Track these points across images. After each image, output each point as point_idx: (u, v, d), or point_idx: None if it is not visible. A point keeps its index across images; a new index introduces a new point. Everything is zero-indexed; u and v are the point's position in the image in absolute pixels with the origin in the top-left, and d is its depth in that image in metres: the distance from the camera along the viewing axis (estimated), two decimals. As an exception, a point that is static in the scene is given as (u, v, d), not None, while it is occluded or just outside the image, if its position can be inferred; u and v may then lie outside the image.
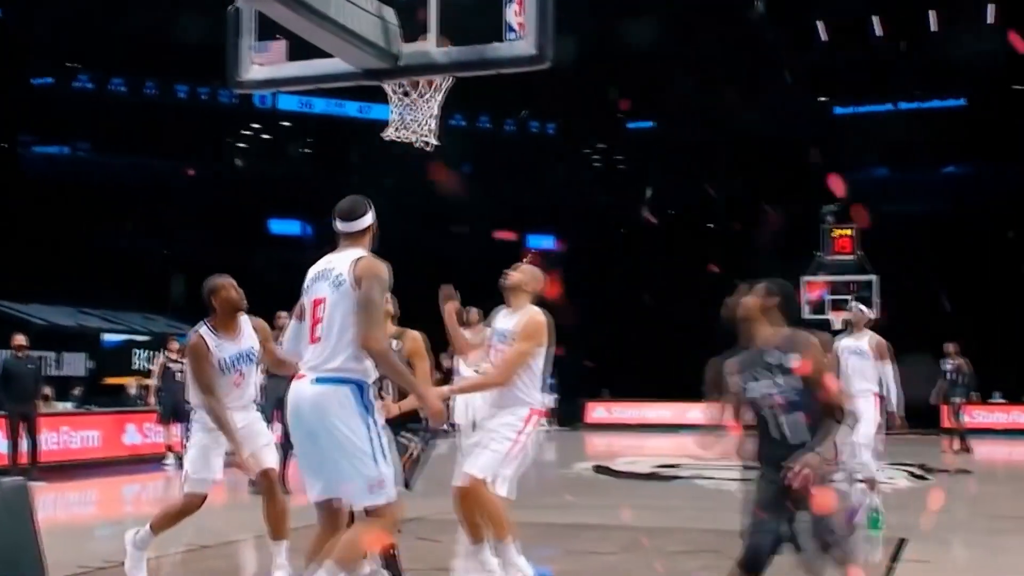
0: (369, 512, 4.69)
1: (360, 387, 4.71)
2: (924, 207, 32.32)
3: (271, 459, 6.40)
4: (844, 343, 9.39)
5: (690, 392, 31.46)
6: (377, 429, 4.70)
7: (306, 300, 4.90)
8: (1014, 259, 28.69)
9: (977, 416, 25.77)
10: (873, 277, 26.83)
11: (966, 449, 18.94)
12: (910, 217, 31.45)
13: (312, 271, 4.94)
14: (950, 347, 19.59)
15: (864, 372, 9.13)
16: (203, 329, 6.28)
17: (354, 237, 4.96)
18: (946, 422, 20.11)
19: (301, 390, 4.74)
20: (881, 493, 9.28)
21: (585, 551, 8.06)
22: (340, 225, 4.97)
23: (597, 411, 30.88)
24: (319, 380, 4.69)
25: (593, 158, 40.09)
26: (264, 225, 34.48)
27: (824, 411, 4.55)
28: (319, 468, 4.76)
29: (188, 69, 31.38)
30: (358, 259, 4.80)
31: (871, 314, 10.17)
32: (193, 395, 6.38)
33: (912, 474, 15.03)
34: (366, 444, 4.64)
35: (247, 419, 6.38)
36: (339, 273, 4.78)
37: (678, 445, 21.97)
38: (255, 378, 6.61)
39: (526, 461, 6.12)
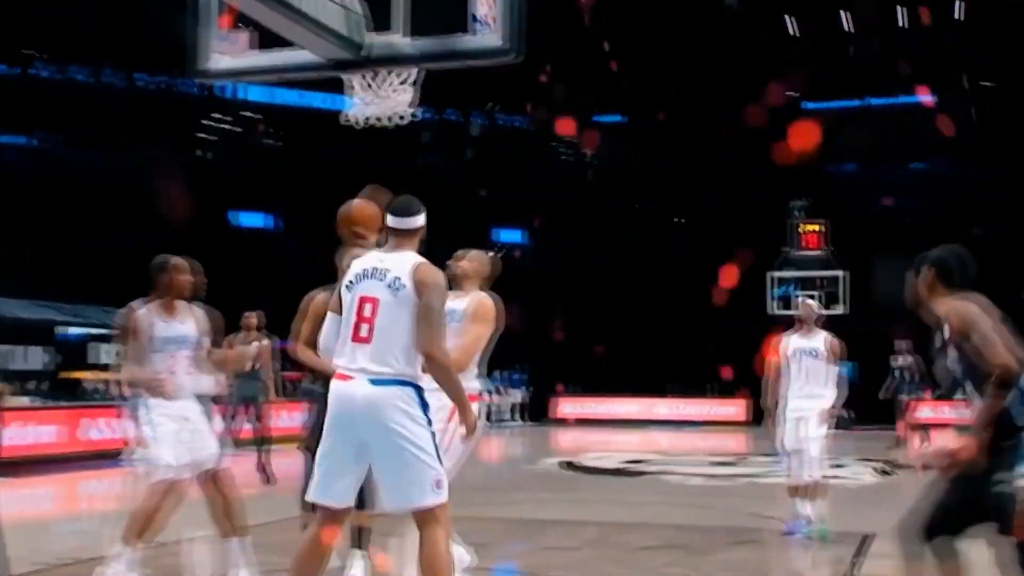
0: (423, 513, 4.66)
1: (418, 389, 4.72)
2: (893, 203, 32.61)
3: (215, 460, 6.31)
4: (796, 343, 8.75)
5: (658, 387, 31.68)
6: (432, 428, 4.71)
7: (348, 295, 4.83)
8: (981, 256, 29.02)
9: (943, 412, 26.10)
10: (840, 272, 27.12)
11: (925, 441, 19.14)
12: (879, 213, 31.73)
13: (359, 266, 4.87)
14: (901, 344, 19.70)
15: (819, 375, 8.59)
16: (138, 303, 6.25)
17: (405, 236, 4.92)
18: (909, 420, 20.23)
19: (354, 391, 4.67)
20: (827, 499, 8.79)
21: (552, 547, 8.10)
22: (394, 221, 4.94)
23: (565, 406, 30.97)
24: (376, 382, 4.65)
25: (561, 151, 40.12)
26: (230, 218, 34.28)
27: (985, 378, 4.33)
28: (350, 473, 4.72)
29: (150, 58, 31.12)
30: (418, 264, 4.79)
31: (822, 310, 9.45)
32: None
33: (878, 470, 15.20)
34: (428, 444, 4.65)
35: (187, 411, 6.26)
36: (397, 276, 4.74)
37: (646, 440, 22.13)
38: (195, 369, 6.47)
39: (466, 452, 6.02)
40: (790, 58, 32.52)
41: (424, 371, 4.79)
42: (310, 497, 4.81)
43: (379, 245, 5.25)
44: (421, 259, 4.85)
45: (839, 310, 25.29)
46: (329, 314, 4.98)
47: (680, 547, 8.17)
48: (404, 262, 4.80)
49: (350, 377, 4.70)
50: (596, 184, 36.68)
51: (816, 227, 28.18)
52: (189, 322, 6.33)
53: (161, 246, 6.73)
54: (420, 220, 4.98)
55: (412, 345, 4.70)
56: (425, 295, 4.70)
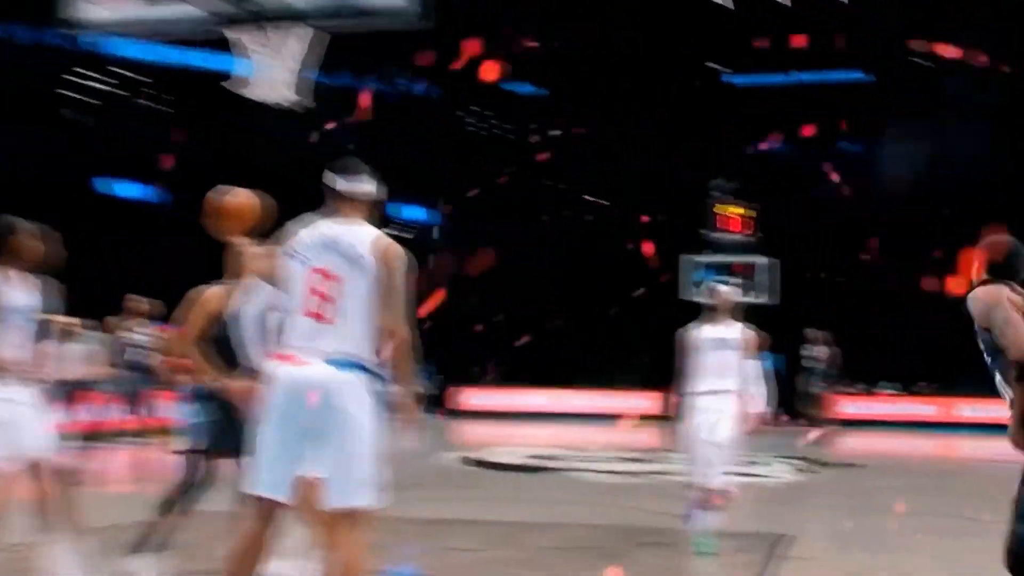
0: (352, 514, 4.60)
1: (373, 376, 4.65)
2: (821, 185, 33.15)
3: (40, 448, 6.11)
4: (707, 332, 8.42)
5: (567, 378, 31.79)
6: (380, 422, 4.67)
7: (299, 267, 4.71)
8: (909, 243, 29.71)
9: (867, 407, 26.77)
10: (763, 259, 27.49)
11: (819, 428, 19.59)
12: (807, 195, 32.21)
13: (308, 236, 4.75)
14: (817, 334, 19.98)
15: (726, 367, 8.28)
16: None
17: (355, 204, 4.83)
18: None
19: (307, 375, 4.58)
20: (726, 508, 8.50)
21: (453, 548, 8.12)
22: (342, 184, 4.83)
23: (467, 397, 30.98)
24: (333, 364, 4.58)
25: (467, 121, 39.97)
26: (100, 188, 33.49)
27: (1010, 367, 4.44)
28: (297, 464, 4.62)
29: (9, 4, 30.20)
30: (379, 237, 4.71)
31: (737, 296, 9.01)
32: None
33: (797, 468, 15.53)
34: (373, 439, 4.61)
35: (15, 394, 5.96)
36: (356, 248, 4.66)
37: (555, 435, 22.29)
38: (36, 347, 6.25)
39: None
40: (715, 29, 32.86)
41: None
42: (254, 491, 4.71)
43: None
44: (380, 232, 4.77)
45: (765, 299, 25.69)
46: (265, 287, 4.87)
47: (590, 548, 8.26)
48: (363, 234, 4.72)
49: (301, 359, 4.61)
50: (508, 160, 36.65)
51: (740, 210, 28.52)
52: (32, 293, 6.12)
53: (10, 212, 6.48)
54: (371, 186, 4.89)
55: (370, 326, 4.63)
56: (389, 272, 4.65)
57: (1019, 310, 4.47)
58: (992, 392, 4.59)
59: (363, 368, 4.61)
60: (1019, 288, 4.68)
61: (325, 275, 4.65)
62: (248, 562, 4.76)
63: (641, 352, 28.22)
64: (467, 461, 15.82)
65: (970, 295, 4.67)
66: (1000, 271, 4.77)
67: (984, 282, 4.75)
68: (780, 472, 14.81)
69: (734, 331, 8.45)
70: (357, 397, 4.58)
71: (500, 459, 16.04)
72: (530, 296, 32.03)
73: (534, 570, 7.46)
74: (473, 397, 30.96)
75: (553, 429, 24.33)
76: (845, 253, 30.15)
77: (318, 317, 4.63)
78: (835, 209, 31.49)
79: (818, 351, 19.69)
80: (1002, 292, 4.56)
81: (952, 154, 30.20)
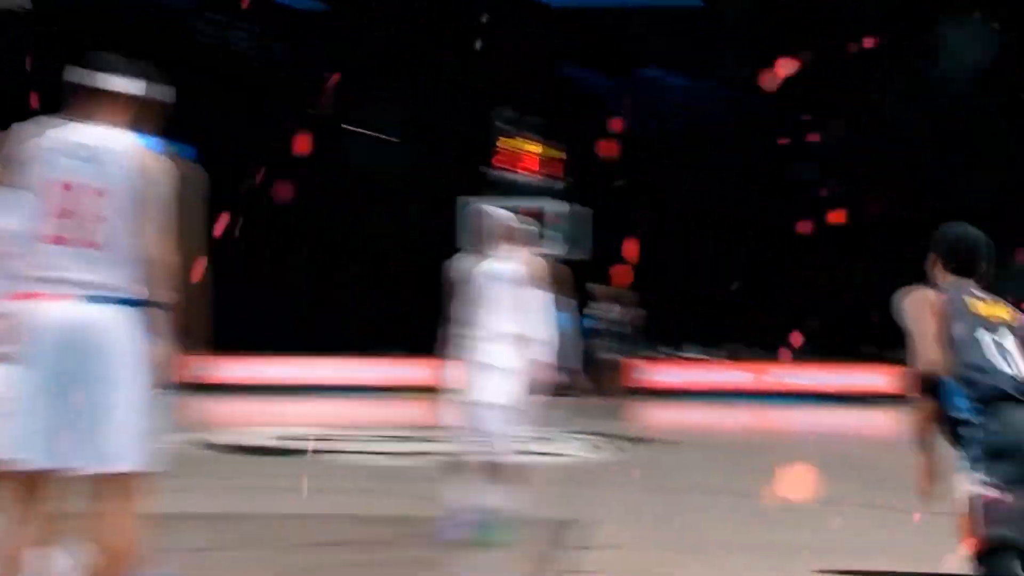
0: (123, 479, 4.57)
1: (140, 313, 4.53)
2: (646, 123, 33.78)
3: None
4: (481, 266, 8.11)
5: (324, 344, 31.67)
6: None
7: (44, 181, 4.52)
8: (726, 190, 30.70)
9: (678, 376, 27.51)
10: (562, 204, 27.84)
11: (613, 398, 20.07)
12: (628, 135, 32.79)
13: (54, 143, 4.55)
14: (606, 290, 20.20)
15: (502, 305, 7.92)
16: None
17: (113, 105, 4.67)
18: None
19: (62, 313, 4.42)
20: (519, 485, 8.41)
21: (181, 547, 8.00)
22: (99, 80, 4.67)
23: (206, 368, 30.40)
24: (94, 300, 4.45)
25: (199, 31, 38.87)
26: None
27: None
28: (56, 421, 4.46)
29: None
30: (139, 147, 4.59)
31: (516, 223, 8.46)
32: None
33: (593, 444, 15.92)
34: (147, 391, 4.56)
35: None
36: (113, 158, 4.52)
37: (307, 411, 22.24)
38: None
39: None
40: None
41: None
42: (11, 460, 4.53)
43: None
44: (139, 141, 4.68)
45: (565, 251, 26.09)
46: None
47: (355, 543, 8.34)
48: (119, 142, 4.61)
49: (52, 295, 4.47)
50: (251, 79, 35.92)
51: (532, 146, 28.81)
52: None
53: None
54: (131, 83, 4.76)
55: (135, 252, 4.52)
56: (153, 187, 4.55)
57: (938, 315, 4.79)
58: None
59: (128, 303, 4.53)
60: (969, 285, 4.99)
61: (77, 190, 4.53)
62: (17, 547, 4.62)
63: (411, 313, 28.30)
64: (205, 444, 15.61)
65: (899, 294, 4.95)
66: (952, 266, 5.07)
67: (926, 282, 5.03)
68: (577, 449, 15.16)
69: (513, 263, 8.14)
70: (123, 340, 4.51)
71: (245, 441, 15.94)
72: (271, 244, 31.65)
73: (283, 570, 7.46)
74: (213, 368, 30.40)
75: (304, 404, 24.27)
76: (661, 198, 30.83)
77: (70, 242, 4.51)
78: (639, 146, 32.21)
79: (607, 310, 19.97)
80: (925, 305, 4.87)
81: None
